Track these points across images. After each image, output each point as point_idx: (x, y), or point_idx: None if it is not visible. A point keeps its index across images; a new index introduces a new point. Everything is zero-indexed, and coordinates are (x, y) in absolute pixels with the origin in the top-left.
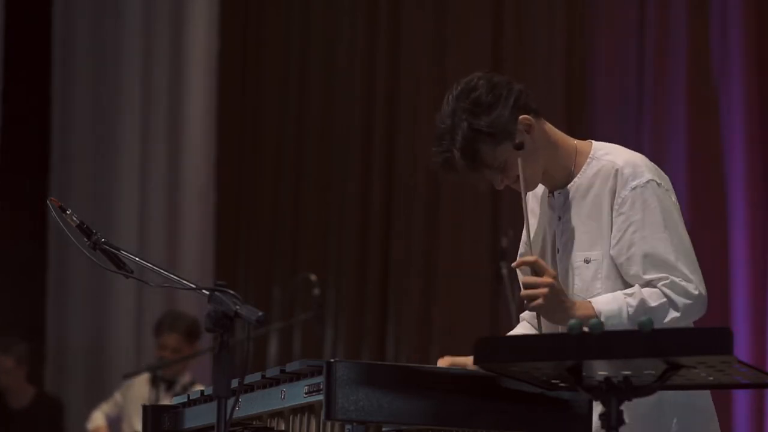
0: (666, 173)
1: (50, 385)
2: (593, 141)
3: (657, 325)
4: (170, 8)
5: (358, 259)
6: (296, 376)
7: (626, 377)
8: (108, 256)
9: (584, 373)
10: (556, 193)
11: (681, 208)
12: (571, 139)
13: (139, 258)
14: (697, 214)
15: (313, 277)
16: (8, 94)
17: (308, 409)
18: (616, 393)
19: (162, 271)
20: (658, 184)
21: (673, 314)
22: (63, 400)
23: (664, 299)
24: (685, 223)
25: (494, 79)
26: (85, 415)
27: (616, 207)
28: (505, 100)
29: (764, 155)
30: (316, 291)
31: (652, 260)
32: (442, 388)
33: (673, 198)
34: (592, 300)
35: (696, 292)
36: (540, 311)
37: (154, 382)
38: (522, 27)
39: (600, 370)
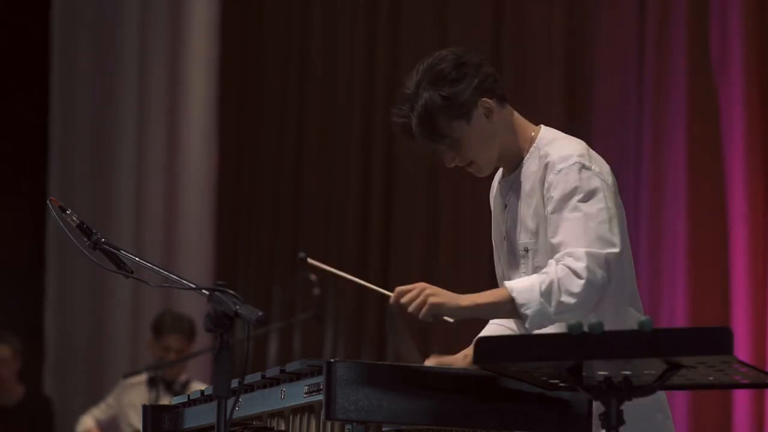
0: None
1: (49, 384)
2: (543, 127)
3: (565, 296)
4: (169, 9)
5: (358, 259)
6: (296, 376)
7: (626, 377)
8: (108, 256)
9: (584, 373)
10: (504, 180)
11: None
12: (531, 126)
13: (139, 258)
14: (696, 215)
15: (313, 277)
16: (8, 94)
17: (308, 409)
18: (616, 393)
19: (162, 270)
20: (584, 166)
21: (577, 282)
22: (53, 399)
23: (568, 270)
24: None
25: (464, 58)
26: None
27: (545, 192)
28: (470, 78)
29: (764, 155)
30: (316, 291)
31: (562, 239)
32: (442, 388)
33: (602, 179)
34: (506, 282)
35: (583, 264)
36: (436, 311)
37: (153, 383)
38: (521, 31)
39: (600, 370)
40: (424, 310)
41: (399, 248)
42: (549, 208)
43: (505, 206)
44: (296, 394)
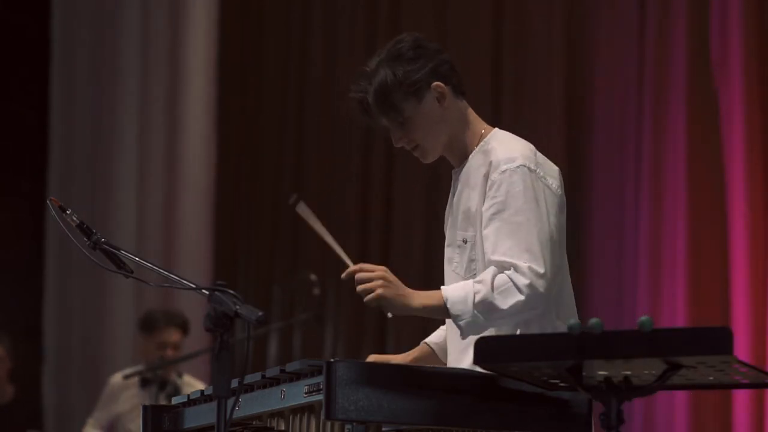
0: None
1: (48, 385)
2: (496, 129)
3: (502, 306)
4: (169, 10)
5: (358, 259)
6: (296, 376)
7: (626, 377)
8: (108, 256)
9: (584, 373)
10: (453, 172)
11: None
12: (484, 124)
13: (139, 258)
14: (696, 214)
15: (313, 277)
16: (8, 94)
17: (308, 408)
18: (616, 393)
19: (162, 270)
20: (530, 169)
21: (518, 297)
22: (47, 399)
23: (510, 283)
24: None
25: (423, 42)
26: (83, 416)
27: (487, 190)
28: (425, 60)
29: (764, 155)
30: (316, 291)
31: (501, 243)
32: (442, 388)
33: (546, 185)
34: (443, 287)
35: (527, 281)
36: (380, 303)
37: (145, 384)
38: (521, 31)
39: (600, 370)
40: (370, 296)
41: (399, 248)
42: (489, 208)
43: (453, 197)
44: (296, 394)
